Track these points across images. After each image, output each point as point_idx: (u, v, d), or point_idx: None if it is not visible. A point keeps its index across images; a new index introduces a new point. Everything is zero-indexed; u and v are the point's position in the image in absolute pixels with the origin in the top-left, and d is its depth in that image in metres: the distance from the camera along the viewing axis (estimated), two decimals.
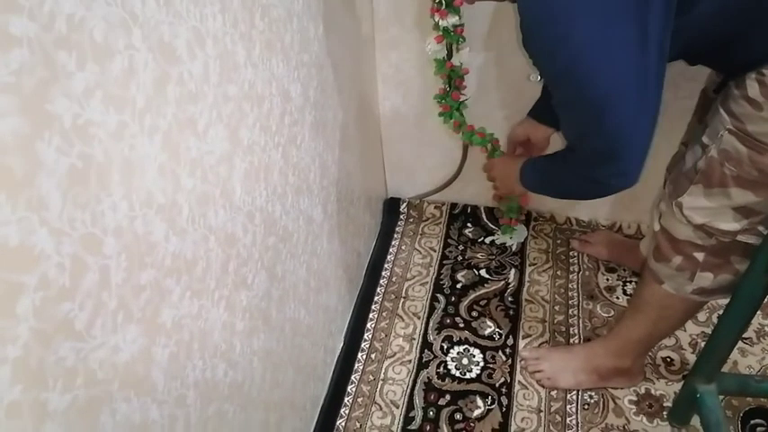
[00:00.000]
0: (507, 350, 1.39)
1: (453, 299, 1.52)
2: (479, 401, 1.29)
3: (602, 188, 0.95)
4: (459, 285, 1.55)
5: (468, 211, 1.74)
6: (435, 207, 1.77)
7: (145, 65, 0.53)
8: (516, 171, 1.19)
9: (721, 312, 1.01)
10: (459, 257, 1.63)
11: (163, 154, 0.58)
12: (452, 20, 1.23)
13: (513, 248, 1.64)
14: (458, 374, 1.34)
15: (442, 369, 1.36)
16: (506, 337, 1.41)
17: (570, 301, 1.49)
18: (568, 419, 1.24)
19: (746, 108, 0.83)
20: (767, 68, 0.79)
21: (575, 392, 1.29)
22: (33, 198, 0.42)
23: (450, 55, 1.33)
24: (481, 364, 1.36)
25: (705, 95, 1.07)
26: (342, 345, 1.38)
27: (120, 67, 0.50)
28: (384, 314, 1.50)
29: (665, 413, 1.24)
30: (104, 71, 0.48)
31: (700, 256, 0.98)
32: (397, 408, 1.29)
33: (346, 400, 1.31)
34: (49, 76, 0.43)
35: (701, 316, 1.42)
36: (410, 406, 1.29)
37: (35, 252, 0.43)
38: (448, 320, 1.46)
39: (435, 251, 1.66)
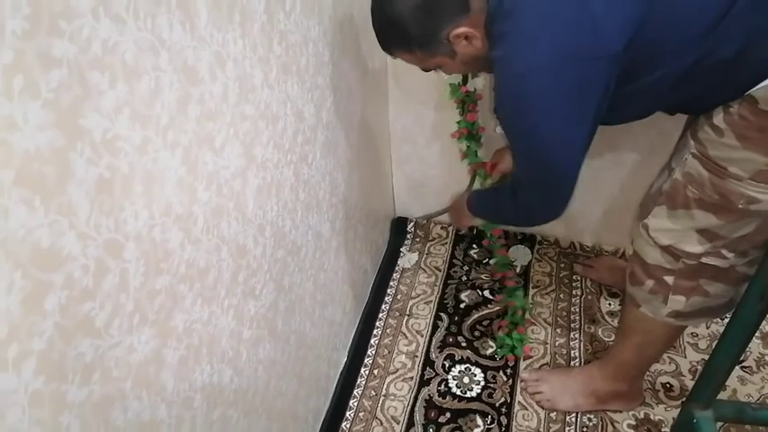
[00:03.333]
0: (508, 370, 1.40)
1: (456, 318, 1.54)
2: (479, 420, 1.30)
3: (534, 218, 1.06)
4: (462, 305, 1.58)
5: (474, 232, 1.77)
6: (442, 227, 1.80)
7: (170, 85, 0.58)
8: (464, 202, 1.29)
9: None
10: (464, 278, 1.66)
11: (182, 168, 0.62)
12: None
13: (518, 271, 1.66)
14: (458, 393, 1.36)
15: (443, 387, 1.38)
16: (507, 358, 1.43)
17: (572, 325, 1.51)
18: None
19: (710, 134, 0.87)
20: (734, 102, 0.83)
21: (574, 415, 1.30)
22: (64, 204, 0.46)
23: (465, 80, 1.38)
24: (482, 383, 1.38)
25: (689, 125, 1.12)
26: (345, 359, 1.41)
27: (147, 87, 0.54)
28: (388, 331, 1.52)
29: None
30: (133, 90, 0.53)
31: (670, 279, 1.01)
32: (398, 424, 1.31)
33: (348, 414, 1.33)
34: (84, 93, 0.47)
35: (702, 343, 1.43)
36: (410, 422, 1.31)
37: (63, 254, 0.47)
38: (450, 339, 1.49)
39: (440, 271, 1.69)
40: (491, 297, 1.59)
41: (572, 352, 1.44)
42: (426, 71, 1.02)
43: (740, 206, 0.87)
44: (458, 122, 1.48)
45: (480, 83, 1.39)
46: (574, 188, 0.95)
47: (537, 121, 0.85)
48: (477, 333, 1.50)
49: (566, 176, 0.92)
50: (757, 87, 0.79)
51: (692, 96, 0.89)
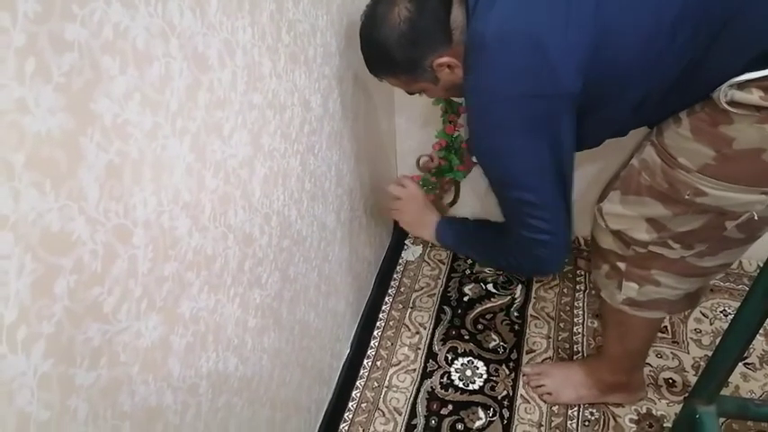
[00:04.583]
0: (511, 364, 1.41)
1: (460, 311, 1.54)
2: (481, 413, 1.31)
3: (527, 267, 1.06)
4: (466, 298, 1.58)
5: None
6: None
7: (180, 72, 0.58)
8: (431, 224, 1.21)
9: None
10: (468, 271, 1.66)
11: (191, 155, 0.62)
12: None
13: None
14: (461, 385, 1.37)
15: (445, 379, 1.38)
16: (510, 351, 1.43)
17: (575, 319, 1.51)
18: None
19: (669, 122, 0.90)
20: None
21: (576, 409, 1.30)
22: (74, 189, 0.46)
23: None
24: (484, 376, 1.38)
25: None
26: (348, 351, 1.41)
27: (157, 72, 0.54)
28: (391, 323, 1.53)
29: None
30: (143, 76, 0.53)
31: (622, 265, 1.04)
32: (400, 415, 1.31)
33: (350, 404, 1.34)
34: (95, 78, 0.47)
35: (705, 339, 1.43)
36: (413, 414, 1.31)
37: (72, 238, 0.47)
38: (453, 332, 1.49)
39: (444, 264, 1.69)
40: (494, 290, 1.59)
41: (575, 346, 1.44)
42: (410, 94, 1.06)
43: (686, 197, 0.89)
44: (436, 134, 1.45)
45: None
46: (562, 226, 0.96)
47: (499, 144, 0.91)
48: (480, 326, 1.50)
49: (538, 205, 0.93)
50: (715, 91, 0.81)
51: (664, 111, 0.91)
